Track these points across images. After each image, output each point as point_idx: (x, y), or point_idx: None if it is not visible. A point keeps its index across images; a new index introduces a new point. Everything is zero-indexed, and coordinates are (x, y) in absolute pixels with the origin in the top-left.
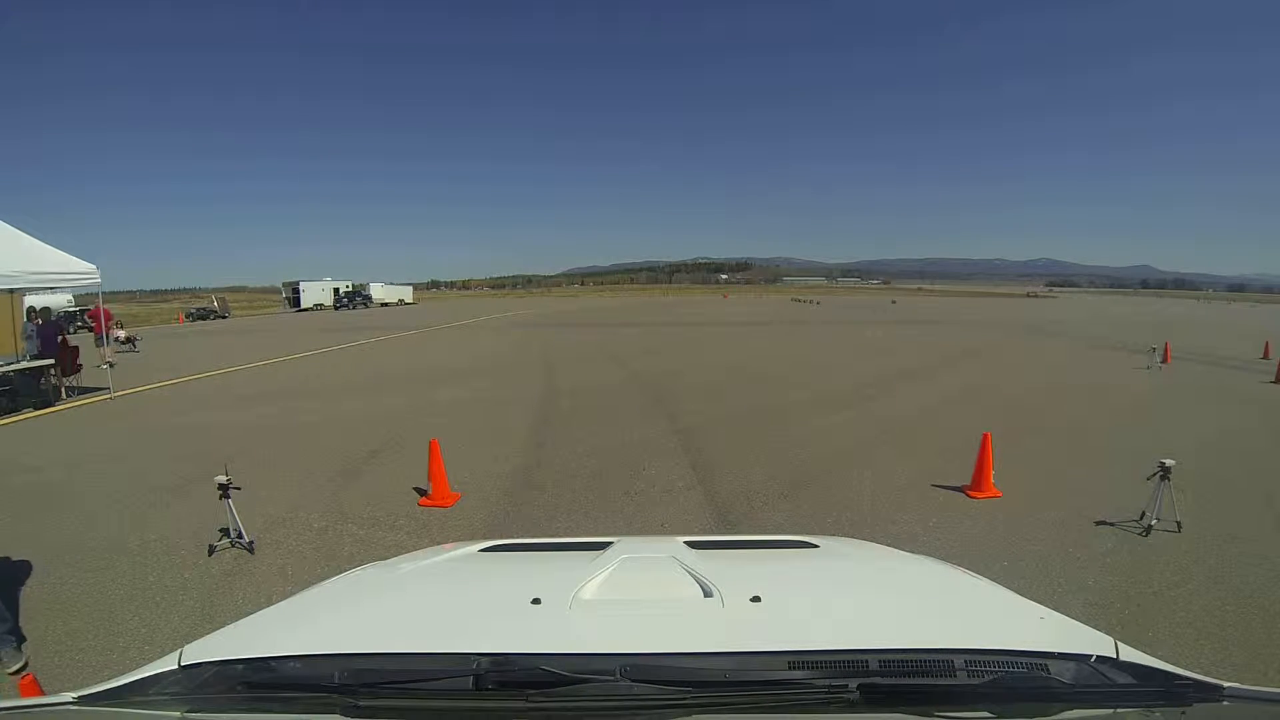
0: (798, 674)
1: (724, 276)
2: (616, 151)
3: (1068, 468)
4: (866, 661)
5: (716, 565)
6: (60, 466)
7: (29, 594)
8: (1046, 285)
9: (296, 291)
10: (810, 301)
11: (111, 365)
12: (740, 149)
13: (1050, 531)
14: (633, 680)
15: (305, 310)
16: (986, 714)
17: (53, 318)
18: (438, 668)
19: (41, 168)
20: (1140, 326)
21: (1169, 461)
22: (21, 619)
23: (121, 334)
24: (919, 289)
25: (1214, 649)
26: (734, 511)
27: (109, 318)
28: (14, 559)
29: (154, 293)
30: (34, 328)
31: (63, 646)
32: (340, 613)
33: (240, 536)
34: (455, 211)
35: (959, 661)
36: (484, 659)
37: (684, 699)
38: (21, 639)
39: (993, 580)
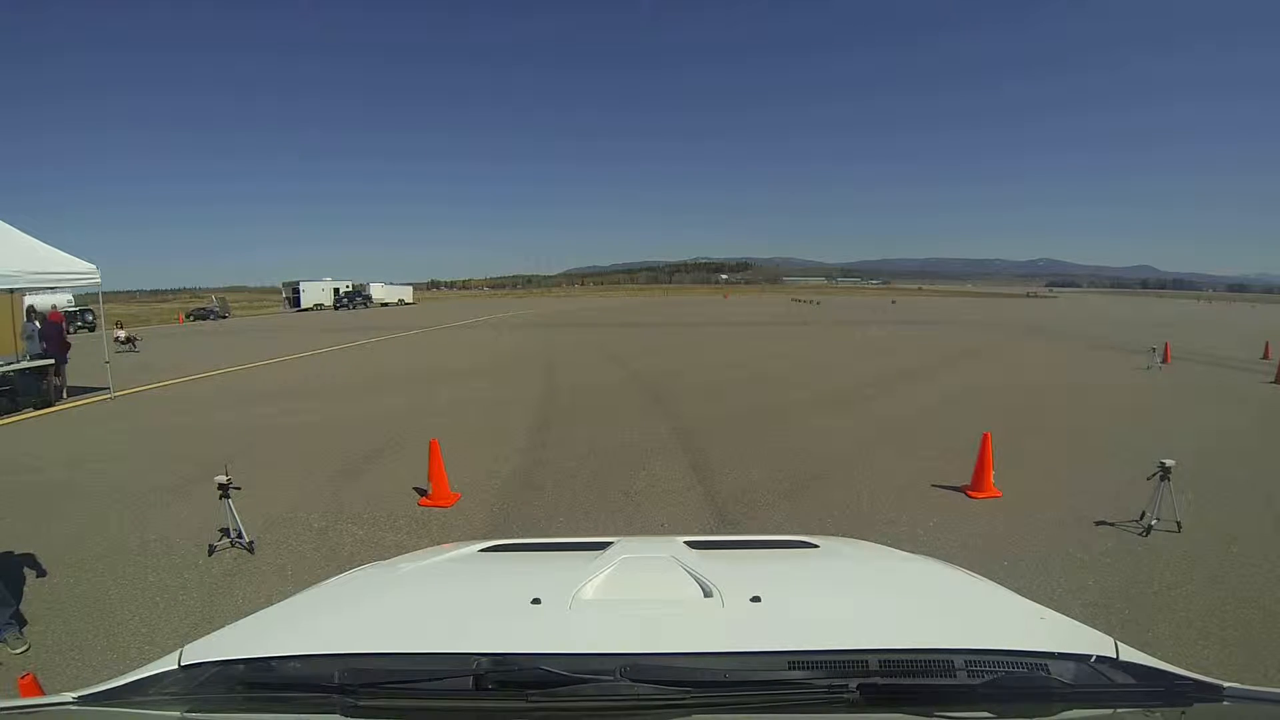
0: (798, 674)
1: (724, 276)
2: (616, 151)
3: (1068, 468)
4: (866, 661)
5: (716, 565)
6: (60, 466)
7: (29, 594)
8: (1047, 285)
9: (296, 291)
10: (810, 301)
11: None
12: (740, 148)
13: (1050, 532)
14: (633, 680)
15: (305, 310)
16: (986, 714)
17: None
18: (438, 668)
19: (41, 168)
20: (1140, 326)
21: (1169, 461)
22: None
23: (121, 334)
24: (919, 289)
25: (1214, 649)
26: (734, 512)
27: (60, 319)
28: (16, 553)
29: (154, 293)
30: (34, 328)
31: (63, 646)
32: (340, 613)
33: (240, 536)
34: (455, 211)
35: (959, 661)
36: (484, 659)
37: (684, 699)
38: (24, 622)
39: (993, 580)
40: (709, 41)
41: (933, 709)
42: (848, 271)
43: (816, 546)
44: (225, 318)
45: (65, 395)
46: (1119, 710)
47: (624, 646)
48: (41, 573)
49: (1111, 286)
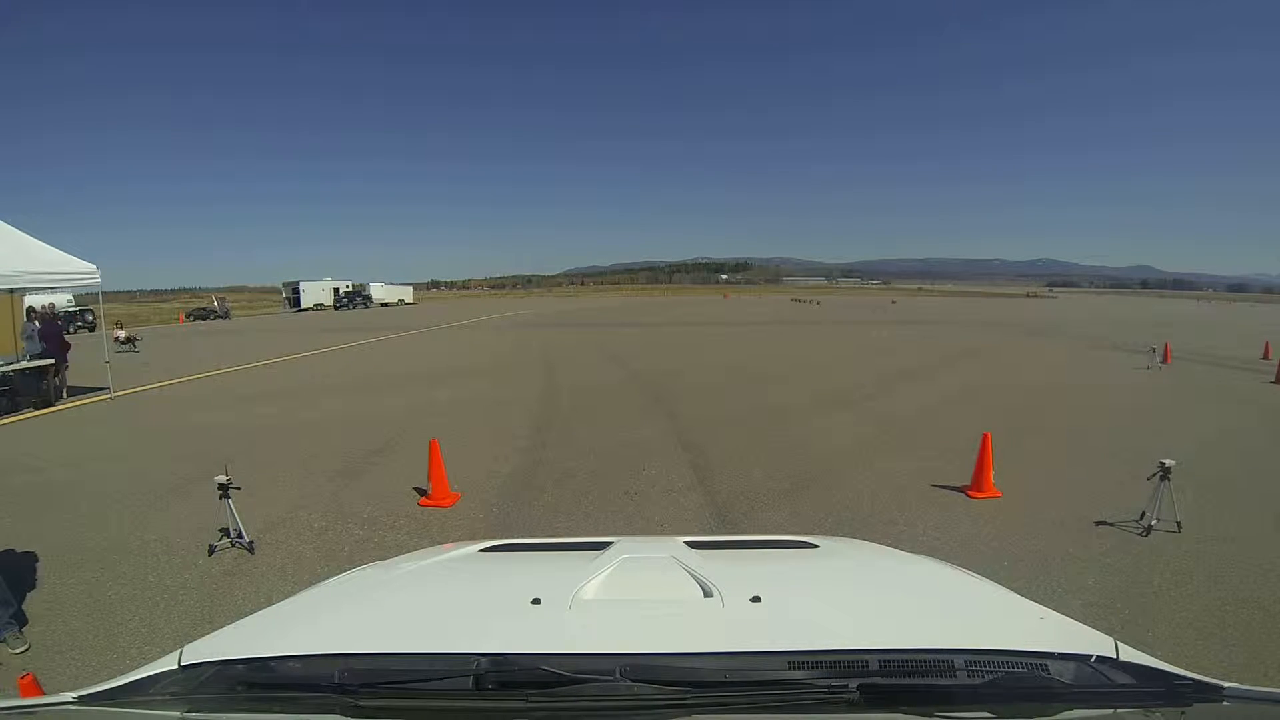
0: (798, 674)
1: (724, 276)
2: (616, 151)
3: (1068, 468)
4: (866, 661)
5: (716, 565)
6: (61, 466)
7: (29, 594)
8: (1047, 285)
9: (296, 291)
10: (810, 302)
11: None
12: (740, 149)
13: (1050, 532)
14: (633, 680)
15: (305, 310)
16: (986, 714)
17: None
18: (438, 668)
19: (41, 168)
20: (1140, 326)
21: (1169, 461)
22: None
23: (121, 334)
24: (919, 289)
25: (1214, 649)
26: (734, 512)
27: (54, 320)
28: (17, 552)
29: (154, 293)
30: (34, 328)
31: (63, 646)
32: (340, 613)
33: (240, 536)
34: (455, 211)
35: (959, 661)
36: (484, 659)
37: (684, 699)
38: (24, 622)
39: (993, 580)
40: (709, 41)
41: (933, 709)
42: (848, 271)
43: (816, 546)
44: (225, 318)
45: (65, 395)
46: (1119, 710)
47: (624, 646)
48: (42, 573)
49: (1111, 286)
